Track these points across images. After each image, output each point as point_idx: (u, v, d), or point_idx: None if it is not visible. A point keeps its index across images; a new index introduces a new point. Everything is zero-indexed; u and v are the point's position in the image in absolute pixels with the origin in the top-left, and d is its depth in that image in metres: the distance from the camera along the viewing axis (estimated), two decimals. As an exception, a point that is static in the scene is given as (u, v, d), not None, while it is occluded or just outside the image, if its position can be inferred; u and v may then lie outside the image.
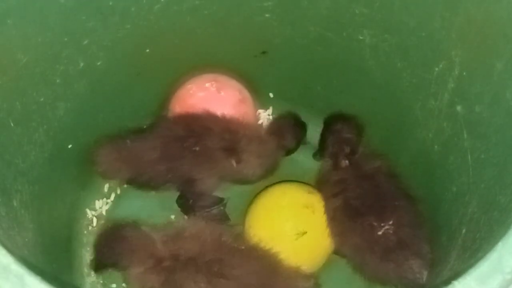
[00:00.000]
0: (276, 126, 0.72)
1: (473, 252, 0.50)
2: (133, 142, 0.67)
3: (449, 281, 0.38)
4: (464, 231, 0.55)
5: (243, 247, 0.62)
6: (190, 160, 0.66)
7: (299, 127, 0.73)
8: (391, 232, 0.62)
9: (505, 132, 0.51)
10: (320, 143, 0.71)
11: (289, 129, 0.72)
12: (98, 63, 0.63)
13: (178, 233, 0.62)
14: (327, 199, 0.67)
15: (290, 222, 0.66)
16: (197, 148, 0.66)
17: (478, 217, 0.53)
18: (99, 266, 0.64)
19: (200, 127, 0.67)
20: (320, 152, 0.71)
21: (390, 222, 0.62)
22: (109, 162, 0.67)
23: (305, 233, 0.65)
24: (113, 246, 0.62)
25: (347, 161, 0.67)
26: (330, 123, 0.71)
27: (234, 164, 0.67)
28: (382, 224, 0.62)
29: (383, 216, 0.62)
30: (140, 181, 0.67)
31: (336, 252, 0.68)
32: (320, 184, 0.69)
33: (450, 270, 0.54)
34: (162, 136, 0.66)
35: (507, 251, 0.38)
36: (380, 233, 0.62)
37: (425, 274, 0.61)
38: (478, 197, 0.55)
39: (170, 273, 0.59)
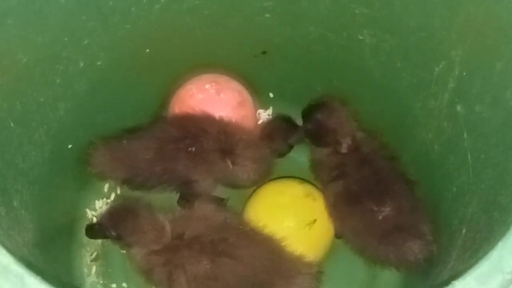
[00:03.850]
0: (267, 131, 0.71)
1: (473, 252, 0.50)
2: (129, 143, 0.66)
3: (449, 281, 0.38)
4: (464, 231, 0.55)
5: (248, 229, 0.63)
6: (186, 161, 0.65)
7: (290, 130, 0.71)
8: (390, 216, 0.62)
9: (505, 132, 0.51)
10: (312, 137, 0.69)
11: (280, 133, 0.71)
12: (98, 63, 0.63)
13: (184, 215, 0.62)
14: (326, 184, 0.67)
15: (299, 215, 0.67)
16: (193, 149, 0.65)
17: (478, 217, 0.53)
18: (98, 233, 0.63)
19: (196, 128, 0.66)
20: (313, 142, 0.69)
21: (390, 207, 0.62)
22: (104, 163, 0.66)
23: (315, 220, 0.66)
24: (125, 220, 0.61)
25: (346, 146, 0.66)
26: (314, 113, 0.68)
27: (230, 165, 0.66)
28: (381, 209, 0.62)
29: (383, 201, 0.63)
30: (136, 182, 0.67)
31: (337, 235, 0.68)
32: (317, 169, 0.69)
33: (450, 270, 0.54)
34: (157, 137, 0.66)
35: (507, 251, 0.38)
36: (380, 217, 0.62)
37: (425, 254, 0.61)
38: (478, 197, 0.55)
39: (172, 252, 0.59)
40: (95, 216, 0.73)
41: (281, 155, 0.72)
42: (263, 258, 0.60)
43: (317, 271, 0.62)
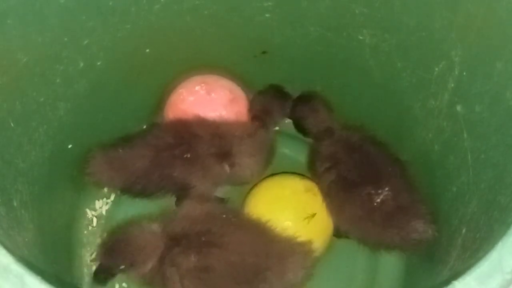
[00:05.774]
0: (259, 107, 0.71)
1: (473, 252, 0.50)
2: (124, 151, 0.66)
3: (449, 281, 0.38)
4: (464, 231, 0.55)
5: (232, 217, 0.63)
6: (182, 168, 0.65)
7: (282, 98, 0.73)
8: (389, 198, 0.62)
9: (505, 132, 0.51)
10: (296, 126, 0.73)
11: (274, 105, 0.72)
12: (98, 63, 0.63)
13: (173, 217, 0.62)
14: (320, 176, 0.67)
15: (299, 209, 0.67)
16: (188, 156, 0.65)
17: (478, 217, 0.53)
18: (107, 276, 0.61)
19: (189, 134, 0.66)
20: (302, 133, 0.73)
21: (387, 188, 0.63)
22: (101, 172, 0.65)
23: (314, 214, 0.66)
24: (121, 251, 0.60)
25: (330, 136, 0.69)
26: (295, 107, 0.73)
27: (228, 169, 0.66)
28: (379, 191, 0.62)
29: (379, 184, 0.63)
30: (134, 190, 0.66)
31: (336, 233, 0.69)
32: (310, 163, 0.69)
33: (450, 270, 0.54)
34: (152, 144, 0.66)
35: (507, 251, 0.38)
36: (378, 200, 0.62)
37: (430, 230, 0.61)
38: (478, 197, 0.55)
39: (163, 253, 0.59)
40: (95, 216, 0.73)
41: (277, 124, 0.73)
42: (250, 243, 0.60)
43: (311, 250, 0.62)
